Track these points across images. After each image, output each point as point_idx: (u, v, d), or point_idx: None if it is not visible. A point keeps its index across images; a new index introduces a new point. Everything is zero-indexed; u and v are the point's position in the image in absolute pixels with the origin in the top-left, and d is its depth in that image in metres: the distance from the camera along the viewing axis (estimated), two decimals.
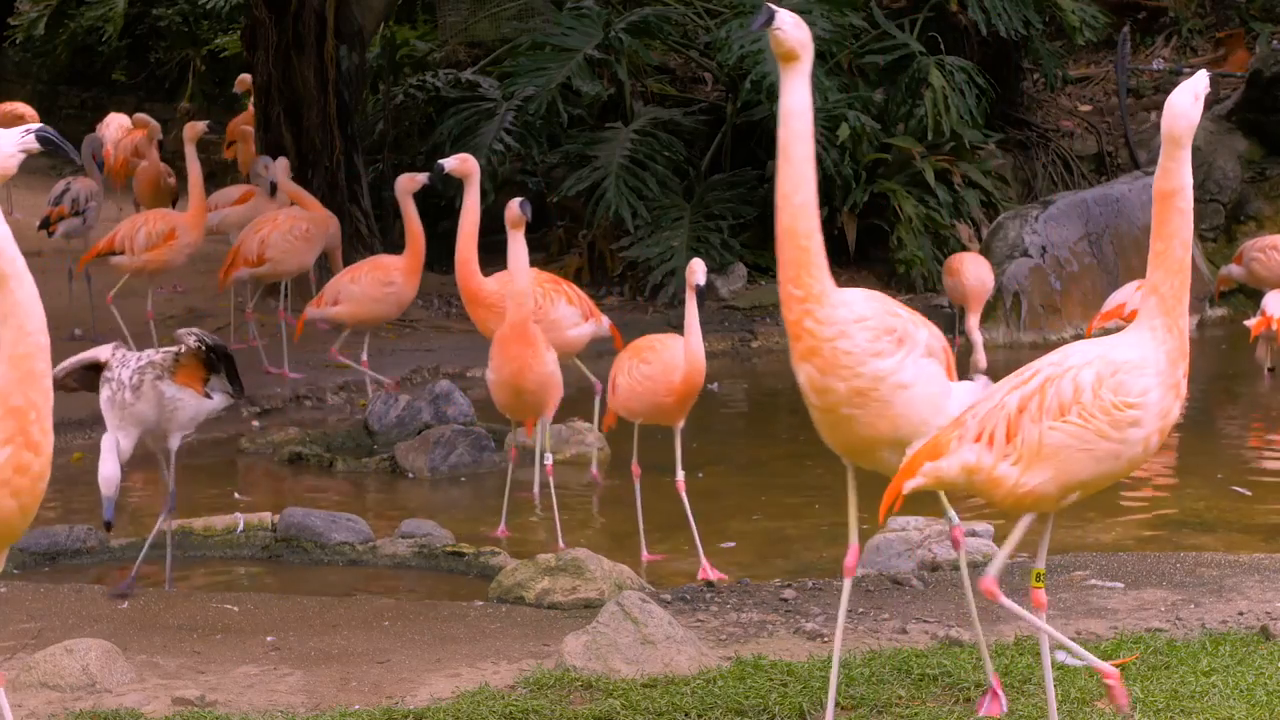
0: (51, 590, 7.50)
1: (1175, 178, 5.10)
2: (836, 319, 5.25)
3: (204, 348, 7.56)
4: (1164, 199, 5.12)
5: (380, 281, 11.50)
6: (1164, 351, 5.09)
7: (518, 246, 8.38)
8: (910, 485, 5.14)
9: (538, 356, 8.48)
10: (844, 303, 5.29)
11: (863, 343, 5.26)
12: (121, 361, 7.49)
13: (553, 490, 8.46)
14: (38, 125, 4.65)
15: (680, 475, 8.14)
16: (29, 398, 4.53)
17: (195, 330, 7.69)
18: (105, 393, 7.45)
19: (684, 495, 8.14)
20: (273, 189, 14.23)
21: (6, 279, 4.53)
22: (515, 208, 8.39)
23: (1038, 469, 5.05)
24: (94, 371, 7.60)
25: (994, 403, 5.11)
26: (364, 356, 11.83)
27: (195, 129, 13.76)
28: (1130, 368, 5.06)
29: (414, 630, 6.81)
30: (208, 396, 7.67)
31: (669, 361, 8.20)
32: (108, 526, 7.43)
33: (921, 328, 5.43)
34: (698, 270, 8.02)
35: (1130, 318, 11.68)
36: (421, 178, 11.37)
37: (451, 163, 10.03)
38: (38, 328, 4.55)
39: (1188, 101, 5.09)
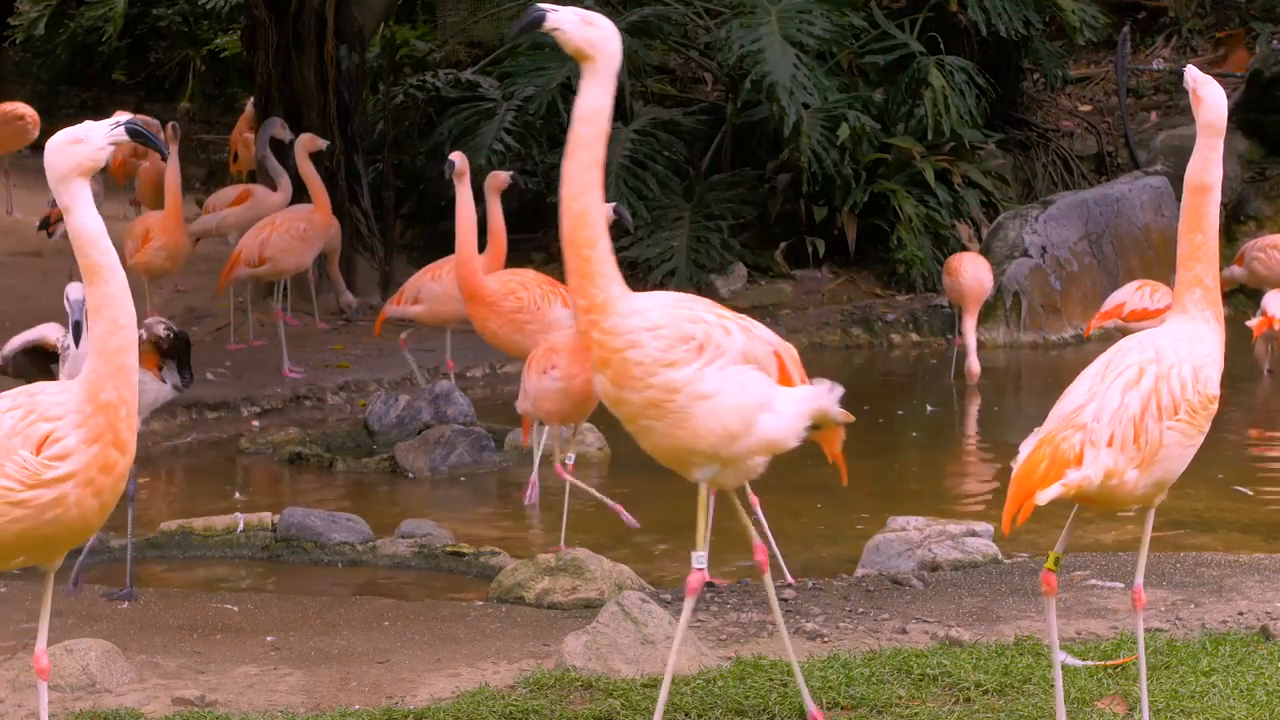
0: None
1: (1215, 170, 5.13)
2: (625, 328, 5.04)
3: (173, 335, 7.44)
4: (1202, 191, 5.13)
5: None
6: (1218, 342, 5.16)
7: None
8: (1048, 495, 4.90)
9: None
10: (636, 311, 5.08)
11: (654, 352, 5.04)
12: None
13: (567, 490, 8.43)
14: (127, 117, 4.60)
15: None
16: (120, 393, 4.49)
17: (163, 320, 7.57)
18: (65, 372, 7.22)
19: (709, 495, 8.00)
20: (283, 154, 14.10)
21: (100, 270, 4.51)
22: None
23: (1154, 468, 5.00)
24: (37, 357, 7.40)
25: (1116, 404, 4.97)
26: (448, 356, 11.85)
27: (172, 135, 13.73)
28: (1209, 361, 5.10)
29: (414, 630, 6.80)
30: (163, 381, 7.57)
31: None
32: None
33: (737, 334, 5.16)
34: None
35: (1130, 317, 11.88)
36: (505, 176, 11.09)
37: (460, 161, 9.99)
38: (129, 322, 4.52)
39: (1223, 93, 5.15)
